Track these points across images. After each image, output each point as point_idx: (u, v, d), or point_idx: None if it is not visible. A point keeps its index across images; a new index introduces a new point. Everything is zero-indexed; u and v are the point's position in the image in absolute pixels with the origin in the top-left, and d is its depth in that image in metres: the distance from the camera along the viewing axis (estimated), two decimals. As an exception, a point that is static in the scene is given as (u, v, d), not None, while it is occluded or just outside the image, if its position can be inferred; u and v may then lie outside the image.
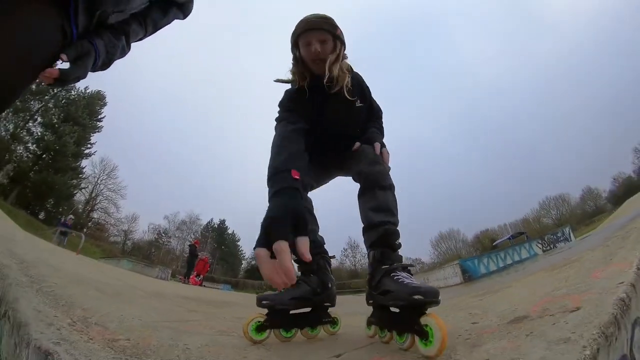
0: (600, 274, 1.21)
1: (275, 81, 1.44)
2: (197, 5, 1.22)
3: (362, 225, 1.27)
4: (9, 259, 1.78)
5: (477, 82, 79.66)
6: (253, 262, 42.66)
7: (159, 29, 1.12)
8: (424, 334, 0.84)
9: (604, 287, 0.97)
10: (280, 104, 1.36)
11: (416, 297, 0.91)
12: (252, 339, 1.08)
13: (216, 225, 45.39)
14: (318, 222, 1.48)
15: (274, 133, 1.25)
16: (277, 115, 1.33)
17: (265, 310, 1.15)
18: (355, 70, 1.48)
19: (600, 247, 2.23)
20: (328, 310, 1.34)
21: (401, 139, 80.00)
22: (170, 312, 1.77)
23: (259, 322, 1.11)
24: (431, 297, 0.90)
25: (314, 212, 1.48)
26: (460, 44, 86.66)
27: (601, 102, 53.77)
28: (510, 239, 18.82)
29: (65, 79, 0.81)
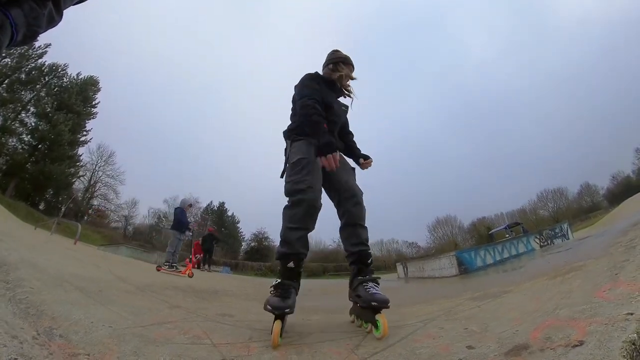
0: (606, 293, 1.17)
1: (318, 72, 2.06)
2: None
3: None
4: (-13, 264, 1.79)
5: (481, 75, 77.92)
6: (252, 244, 43.65)
7: None
8: (376, 325, 1.40)
9: (610, 315, 0.91)
10: (312, 78, 1.94)
11: (373, 303, 1.46)
12: None
13: (216, 208, 45.69)
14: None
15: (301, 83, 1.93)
16: (304, 91, 1.85)
17: None
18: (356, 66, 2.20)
19: (603, 255, 2.17)
20: None
21: (402, 126, 79.31)
22: (150, 311, 1.80)
23: None
24: (381, 304, 1.44)
25: None
26: (460, 39, 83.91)
27: (608, 100, 52.66)
28: (507, 229, 18.92)
29: None
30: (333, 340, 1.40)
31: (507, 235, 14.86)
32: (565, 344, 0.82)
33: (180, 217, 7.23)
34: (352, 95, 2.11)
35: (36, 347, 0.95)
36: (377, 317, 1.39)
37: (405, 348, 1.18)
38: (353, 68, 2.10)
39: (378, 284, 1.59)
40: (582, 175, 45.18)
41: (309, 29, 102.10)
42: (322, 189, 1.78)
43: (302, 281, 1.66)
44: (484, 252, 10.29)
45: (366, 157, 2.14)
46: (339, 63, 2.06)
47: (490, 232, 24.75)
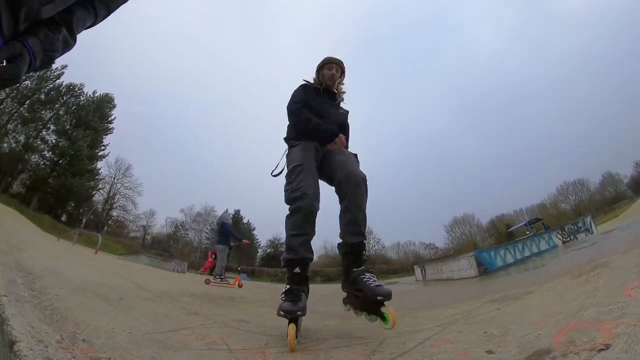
0: (634, 291, 1.12)
1: (303, 80, 2.19)
2: None
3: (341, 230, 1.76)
4: (15, 273, 1.87)
5: (491, 69, 76.43)
6: (268, 251, 43.96)
7: (116, 9, 1.02)
8: (383, 317, 1.45)
9: (639, 315, 0.87)
10: (299, 89, 2.10)
11: (379, 297, 1.46)
12: None
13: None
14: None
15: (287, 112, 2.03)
16: (291, 100, 2.04)
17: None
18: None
19: (630, 250, 2.03)
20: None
21: (417, 125, 78.60)
22: (167, 318, 1.83)
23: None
24: (387, 298, 1.46)
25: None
26: (471, 32, 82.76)
27: (626, 86, 50.15)
28: (527, 225, 18.21)
29: None
30: (349, 345, 1.37)
31: (528, 233, 14.34)
32: (590, 347, 0.78)
33: (231, 232, 7.85)
34: (341, 96, 2.21)
35: (60, 350, 0.98)
36: (383, 309, 1.45)
37: (422, 353, 1.15)
38: (338, 67, 2.18)
39: (374, 275, 1.63)
40: (604, 164, 41.98)
41: (310, 26, 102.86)
42: (330, 185, 1.90)
43: (319, 286, 1.67)
44: (504, 251, 9.95)
45: None
46: (321, 67, 2.19)
47: (510, 229, 24.02)
